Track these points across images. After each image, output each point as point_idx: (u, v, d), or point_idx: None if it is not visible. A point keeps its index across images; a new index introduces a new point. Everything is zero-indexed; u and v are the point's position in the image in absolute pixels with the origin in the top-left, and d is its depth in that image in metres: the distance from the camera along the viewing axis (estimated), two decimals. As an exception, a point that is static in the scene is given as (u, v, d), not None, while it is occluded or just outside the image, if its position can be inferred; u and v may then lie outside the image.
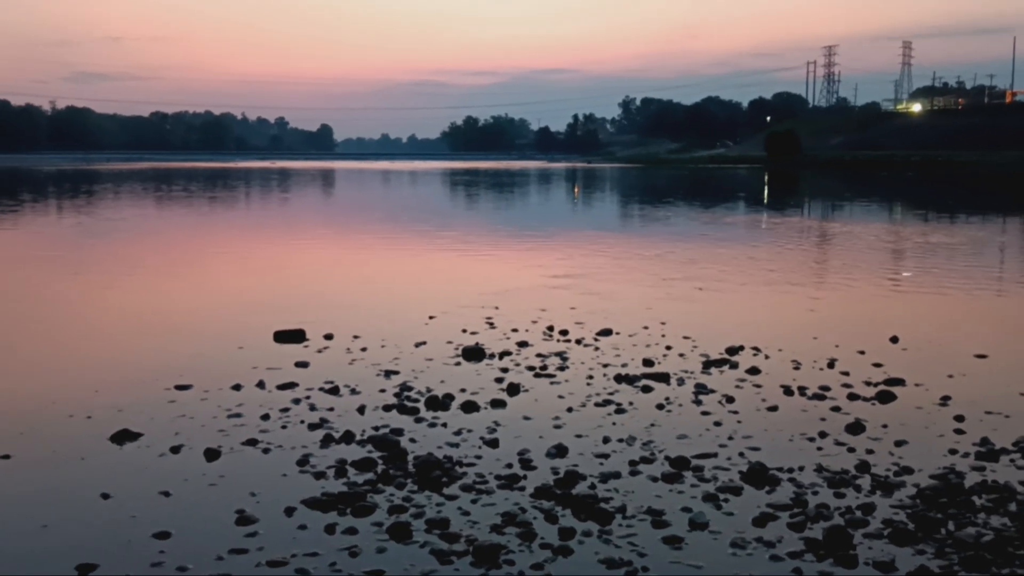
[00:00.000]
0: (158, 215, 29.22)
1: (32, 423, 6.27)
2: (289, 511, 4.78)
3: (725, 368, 7.92)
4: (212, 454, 5.65)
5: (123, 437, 5.96)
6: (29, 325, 10.12)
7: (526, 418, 6.45)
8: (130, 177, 63.56)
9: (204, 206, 33.33)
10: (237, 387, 7.23)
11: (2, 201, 35.18)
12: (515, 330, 9.48)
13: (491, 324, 9.81)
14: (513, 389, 7.17)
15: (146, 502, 4.90)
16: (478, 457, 5.62)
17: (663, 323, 9.86)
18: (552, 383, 7.41)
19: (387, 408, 6.68)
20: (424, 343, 8.84)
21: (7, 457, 5.58)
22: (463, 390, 7.14)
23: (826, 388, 7.24)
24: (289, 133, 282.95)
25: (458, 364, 8.07)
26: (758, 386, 7.34)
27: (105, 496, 4.97)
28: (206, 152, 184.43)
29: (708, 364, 8.03)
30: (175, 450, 5.75)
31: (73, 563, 4.16)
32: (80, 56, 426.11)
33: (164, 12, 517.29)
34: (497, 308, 10.76)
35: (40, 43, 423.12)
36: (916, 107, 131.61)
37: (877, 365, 8.03)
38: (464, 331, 9.42)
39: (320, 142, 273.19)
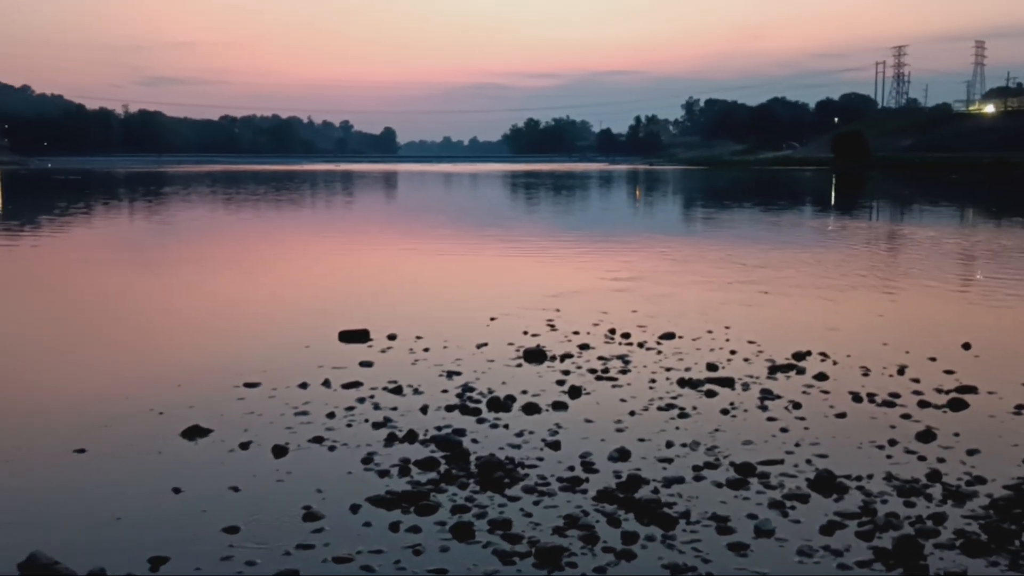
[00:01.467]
0: (227, 217, 29.85)
1: (107, 418, 6.46)
2: (354, 508, 4.85)
3: (792, 373, 7.80)
4: (279, 451, 5.76)
5: (194, 433, 6.11)
6: (105, 323, 10.43)
7: (588, 421, 6.44)
8: (200, 179, 65.07)
9: (272, 208, 33.95)
10: (304, 385, 7.35)
11: (82, 202, 36.30)
12: (576, 332, 9.47)
13: (552, 326, 9.81)
14: (575, 392, 7.17)
15: (216, 497, 5.02)
16: (540, 459, 5.63)
17: (727, 327, 9.75)
18: (614, 386, 7.38)
19: (449, 408, 6.73)
20: (486, 344, 8.88)
21: (83, 451, 5.76)
22: (524, 392, 7.16)
23: (896, 395, 7.08)
24: (353, 136, 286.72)
25: (519, 366, 8.10)
26: (826, 392, 7.21)
27: (176, 490, 5.10)
28: (274, 155, 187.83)
29: (774, 369, 7.92)
30: (244, 446, 5.87)
31: (146, 555, 4.27)
32: (153, 61, 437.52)
33: (234, 18, 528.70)
34: (558, 310, 10.76)
35: (115, 48, 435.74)
36: (989, 108, 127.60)
37: (949, 372, 7.83)
38: (525, 333, 9.44)
39: (383, 145, 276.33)
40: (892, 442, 5.98)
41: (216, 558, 4.28)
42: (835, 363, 8.15)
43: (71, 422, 6.34)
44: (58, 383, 7.53)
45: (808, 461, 5.61)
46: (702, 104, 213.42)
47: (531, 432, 6.16)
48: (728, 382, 7.45)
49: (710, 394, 7.13)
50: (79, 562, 4.14)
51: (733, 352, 8.59)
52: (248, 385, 7.34)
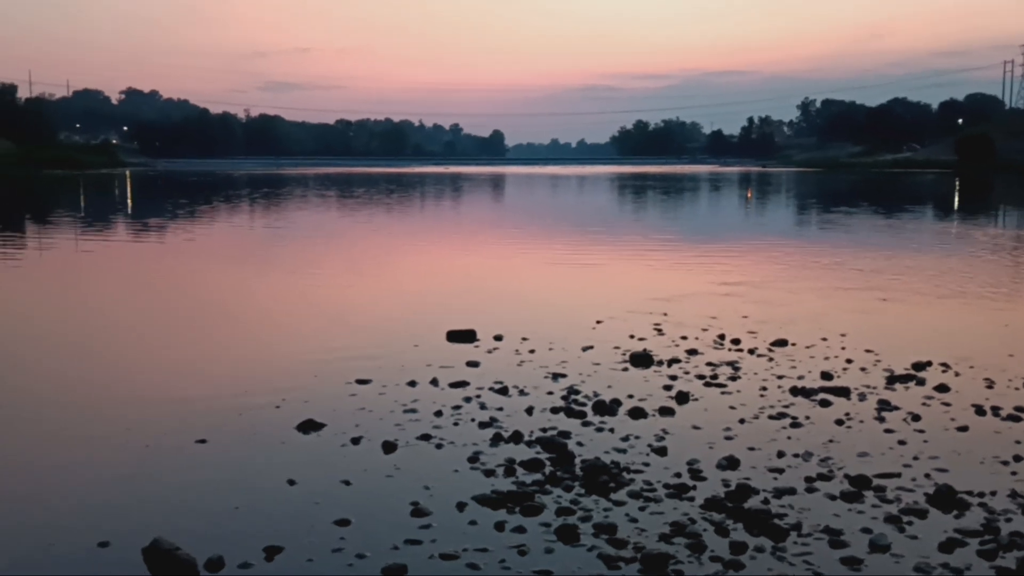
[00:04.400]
0: (341, 218, 30.65)
1: (227, 411, 6.73)
2: (460, 506, 4.91)
3: (911, 384, 7.50)
4: (389, 447, 5.89)
5: (309, 427, 6.30)
6: (225, 319, 10.86)
7: (695, 427, 6.35)
8: (316, 181, 67.02)
9: (383, 209, 34.68)
10: (412, 383, 7.48)
11: (204, 202, 37.90)
12: (684, 337, 9.34)
13: (659, 331, 9.71)
14: (682, 397, 7.07)
15: (328, 490, 5.16)
16: (646, 464, 5.58)
17: (843, 335, 9.45)
18: (723, 393, 7.25)
19: (555, 410, 6.73)
20: (591, 347, 8.86)
21: (204, 441, 6.01)
22: (631, 396, 7.11)
23: (1022, 409, 6.72)
24: (462, 139, 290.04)
25: (625, 370, 8.04)
26: (947, 404, 6.91)
27: (291, 482, 5.27)
28: (386, 158, 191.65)
29: (892, 379, 7.63)
30: (355, 441, 6.02)
31: (261, 545, 4.43)
32: (273, 67, 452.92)
33: (349, 25, 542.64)
34: (666, 315, 10.63)
35: (238, 55, 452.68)
36: None
37: (1084, 387, 7.38)
38: (632, 337, 9.37)
39: (492, 147, 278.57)
40: (1017, 458, 5.69)
41: (328, 550, 4.40)
42: (957, 374, 7.80)
43: (194, 414, 6.62)
44: (181, 376, 7.88)
45: (927, 475, 5.39)
46: (818, 104, 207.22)
47: (637, 437, 6.11)
48: (843, 392, 7.21)
49: (824, 404, 6.93)
50: (199, 549, 4.31)
51: (849, 361, 8.32)
52: (360, 382, 7.52)
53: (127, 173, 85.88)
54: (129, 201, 41.26)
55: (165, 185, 60.74)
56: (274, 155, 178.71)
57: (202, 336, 9.75)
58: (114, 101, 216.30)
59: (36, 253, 18.97)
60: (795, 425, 6.39)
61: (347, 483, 5.26)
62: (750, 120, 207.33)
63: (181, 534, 4.46)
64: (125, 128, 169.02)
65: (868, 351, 8.69)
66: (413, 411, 6.72)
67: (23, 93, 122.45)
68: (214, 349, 9.06)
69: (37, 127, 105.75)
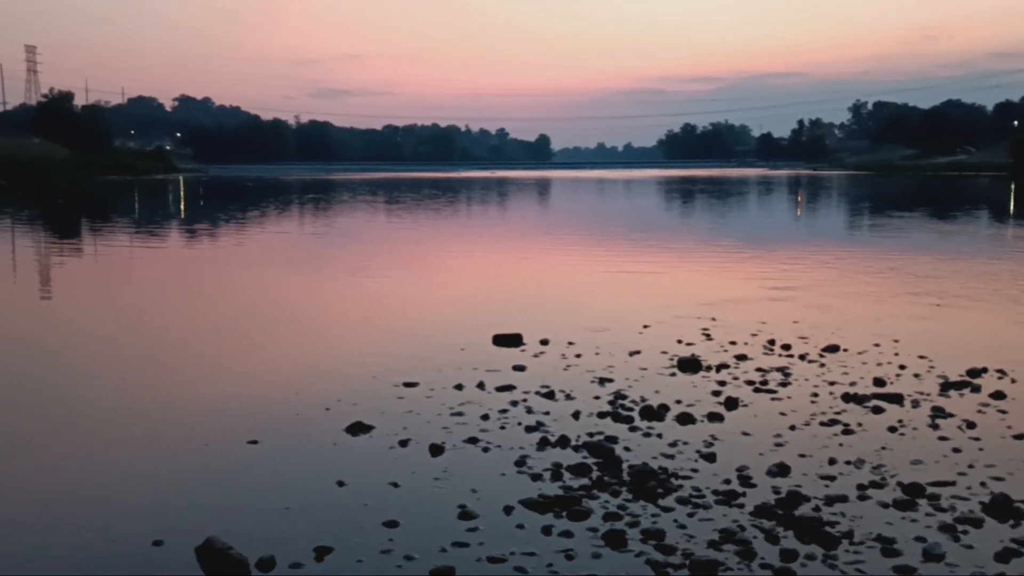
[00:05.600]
0: (389, 221, 30.90)
1: (278, 412, 6.82)
2: (507, 510, 4.92)
3: (966, 391, 7.34)
4: (436, 449, 5.92)
5: (357, 429, 6.36)
6: (275, 321, 11.00)
7: (745, 434, 6.28)
8: (364, 187, 67.65)
9: (430, 214, 34.89)
10: (459, 387, 7.52)
11: (255, 207, 38.48)
12: (733, 342, 9.25)
13: (708, 336, 9.63)
14: (731, 403, 7.00)
15: (377, 491, 5.20)
16: (694, 470, 5.54)
17: (896, 340, 9.29)
18: (773, 399, 7.17)
19: (601, 415, 6.71)
20: (638, 352, 8.81)
21: (256, 442, 6.10)
22: (678, 401, 7.06)
23: (1085, 418, 6.55)
24: (509, 143, 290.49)
25: (673, 375, 7.99)
26: (1003, 412, 6.75)
27: (340, 483, 5.33)
28: (433, 163, 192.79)
29: (946, 386, 7.48)
30: (403, 443, 6.07)
31: (312, 545, 4.48)
32: (324, 73, 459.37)
33: (399, 32, 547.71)
34: (714, 319, 10.54)
35: (290, 62, 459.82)
36: None
37: None
38: (679, 341, 9.30)
39: (538, 152, 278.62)
40: (1081, 469, 5.53)
41: (377, 551, 4.44)
42: (1014, 381, 7.62)
43: (246, 415, 6.73)
44: (233, 378, 8.01)
45: (983, 484, 5.28)
46: (870, 107, 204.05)
47: (685, 443, 6.07)
48: (896, 398, 7.09)
49: (877, 410, 6.81)
50: (251, 548, 4.37)
51: (902, 367, 8.17)
52: (407, 384, 7.58)
53: (180, 179, 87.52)
54: (183, 206, 42.02)
55: (218, 190, 61.77)
56: (324, 161, 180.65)
57: (253, 339, 9.89)
58: (168, 108, 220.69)
59: (93, 257, 19.42)
60: (847, 432, 6.30)
61: (395, 485, 5.30)
62: (800, 123, 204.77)
63: (233, 534, 4.53)
64: (178, 134, 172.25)
65: (922, 357, 8.53)
66: (460, 414, 6.75)
67: (79, 101, 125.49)
68: (264, 352, 9.18)
69: (93, 134, 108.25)
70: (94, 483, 5.40)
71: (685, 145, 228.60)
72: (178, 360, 8.84)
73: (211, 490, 5.27)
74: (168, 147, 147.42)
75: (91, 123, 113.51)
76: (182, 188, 63.97)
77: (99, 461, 5.78)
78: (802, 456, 5.78)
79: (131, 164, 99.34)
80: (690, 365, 8.23)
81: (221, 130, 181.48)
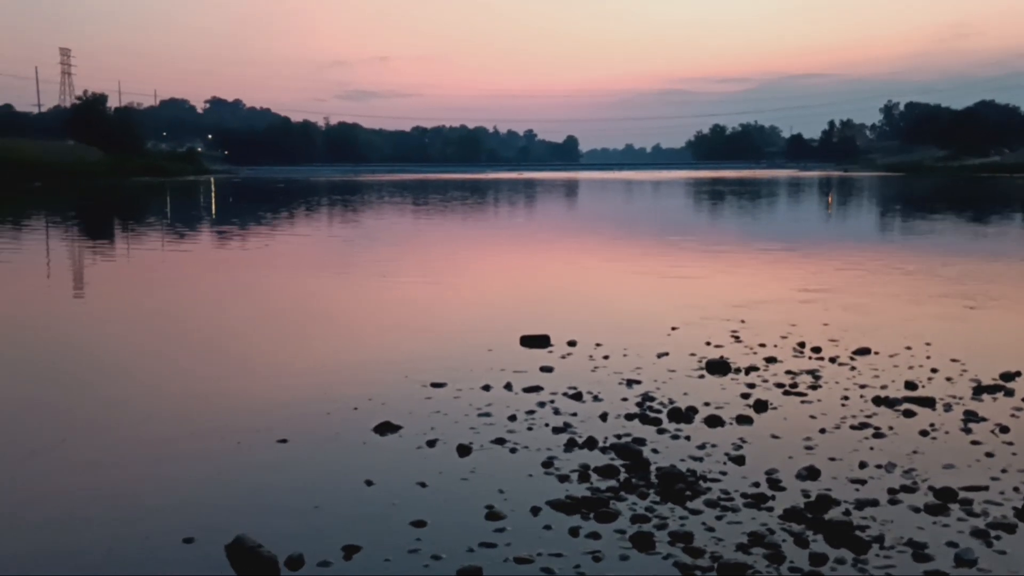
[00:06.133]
0: (416, 222, 31.00)
1: (307, 411, 6.87)
2: (535, 511, 4.92)
3: (999, 395, 7.25)
4: (464, 450, 5.93)
5: (385, 429, 6.40)
6: (304, 323, 11.08)
7: (774, 437, 6.24)
8: (393, 188, 67.94)
9: (458, 215, 34.97)
10: (487, 387, 7.53)
11: (284, 208, 38.78)
12: (762, 345, 9.19)
13: (736, 338, 9.57)
14: (760, 406, 6.96)
15: (405, 491, 5.23)
16: (723, 473, 5.51)
17: (928, 343, 9.18)
18: (803, 402, 7.11)
19: (629, 417, 6.70)
20: (666, 354, 8.78)
21: (285, 441, 6.15)
22: (707, 404, 7.03)
23: (1123, 423, 6.44)
24: (536, 145, 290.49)
25: (702, 377, 7.95)
26: (1039, 417, 6.65)
27: (369, 483, 5.36)
28: (460, 164, 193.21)
29: (979, 390, 7.38)
30: (431, 443, 6.09)
31: (340, 543, 4.51)
32: (353, 75, 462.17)
33: (427, 33, 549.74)
34: (743, 321, 10.48)
35: (320, 64, 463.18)
36: None
37: None
38: (708, 344, 9.26)
39: (565, 153, 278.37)
40: (1118, 474, 5.44)
41: (404, 550, 4.46)
42: (1051, 386, 7.51)
43: (276, 414, 6.78)
44: (264, 377, 8.07)
45: (1016, 489, 5.21)
46: (902, 107, 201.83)
47: (714, 445, 6.04)
48: (928, 402, 7.01)
49: (908, 414, 6.74)
50: (280, 546, 4.41)
51: (934, 370, 8.08)
52: (435, 385, 7.60)
53: (211, 180, 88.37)
54: (215, 207, 42.43)
55: (249, 192, 62.31)
56: (352, 162, 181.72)
57: (282, 339, 9.97)
58: (199, 110, 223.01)
59: (126, 257, 19.66)
60: (878, 435, 6.23)
61: (423, 485, 5.32)
62: (831, 123, 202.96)
63: (263, 532, 4.57)
64: (209, 136, 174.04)
65: (954, 360, 8.43)
66: (487, 415, 6.76)
67: (112, 103, 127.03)
68: (294, 352, 9.25)
69: (126, 136, 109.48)
70: (127, 481, 5.46)
71: (714, 146, 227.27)
72: (209, 359, 8.93)
73: (241, 488, 5.32)
74: (199, 149, 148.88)
75: (124, 125, 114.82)
76: (213, 189, 64.59)
77: (132, 459, 5.85)
78: (832, 459, 5.73)
79: (163, 166, 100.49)
80: (719, 367, 8.18)
81: (251, 132, 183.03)
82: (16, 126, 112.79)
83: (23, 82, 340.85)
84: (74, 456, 5.93)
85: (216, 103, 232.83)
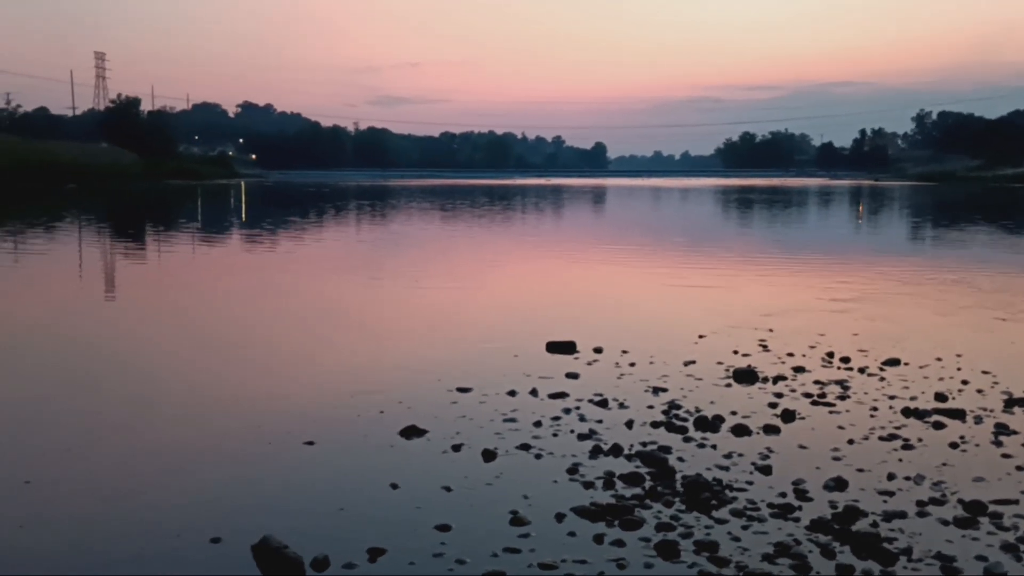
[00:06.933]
0: (444, 228, 31.10)
1: (333, 414, 6.92)
2: (559, 517, 4.91)
3: (1032, 408, 7.14)
4: (489, 455, 5.94)
5: (411, 432, 6.42)
6: (332, 326, 11.16)
7: (802, 447, 6.19)
8: (421, 193, 68.19)
9: (485, 221, 35.03)
10: (512, 393, 7.54)
11: (316, 212, 39.05)
12: (791, 354, 9.13)
13: (764, 347, 9.51)
14: (788, 415, 6.91)
15: (430, 495, 5.24)
16: (749, 483, 5.48)
17: (958, 355, 9.08)
18: (831, 412, 7.05)
19: (655, 425, 6.68)
20: (693, 362, 8.75)
21: (312, 443, 6.19)
22: (734, 413, 6.99)
23: None
24: (564, 151, 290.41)
25: (729, 386, 7.91)
26: (1072, 431, 6.55)
27: (394, 486, 5.38)
28: (489, 170, 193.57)
29: (1011, 402, 7.28)
30: (456, 448, 6.10)
31: (365, 546, 4.53)
32: (383, 81, 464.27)
33: (458, 40, 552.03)
34: (771, 331, 10.41)
35: (351, 70, 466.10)
36: None
37: None
38: (735, 352, 9.21)
39: (594, 159, 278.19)
40: None
41: (429, 554, 4.47)
42: (1085, 400, 7.39)
43: (302, 416, 6.83)
44: (291, 379, 8.13)
45: (1050, 504, 5.13)
46: (934, 116, 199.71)
47: (740, 454, 6.01)
48: (958, 414, 6.93)
49: (938, 426, 6.67)
50: (306, 548, 4.44)
51: (965, 382, 7.99)
52: (461, 390, 7.62)
53: (242, 184, 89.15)
54: (247, 211, 42.80)
55: (281, 196, 62.81)
56: (381, 167, 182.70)
57: (309, 342, 10.04)
58: (231, 114, 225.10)
59: (159, 259, 19.88)
60: (907, 447, 6.17)
61: (448, 489, 5.34)
62: (862, 132, 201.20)
63: (289, 533, 4.60)
64: (241, 140, 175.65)
65: (985, 372, 8.33)
66: (513, 420, 6.77)
67: (146, 107, 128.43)
68: (320, 354, 9.31)
69: (159, 139, 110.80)
70: (157, 480, 5.52)
71: (743, 154, 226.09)
72: (238, 361, 9.01)
73: (268, 489, 5.36)
74: (230, 152, 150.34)
75: (157, 128, 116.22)
76: (243, 193, 65.16)
77: (162, 459, 5.92)
78: (860, 471, 5.68)
79: (195, 169, 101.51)
80: (746, 376, 8.14)
81: (282, 136, 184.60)
82: (51, 129, 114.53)
83: (58, 85, 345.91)
84: (106, 454, 6.01)
85: (247, 107, 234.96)
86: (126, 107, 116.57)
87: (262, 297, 13.73)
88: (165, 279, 16.36)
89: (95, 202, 47.04)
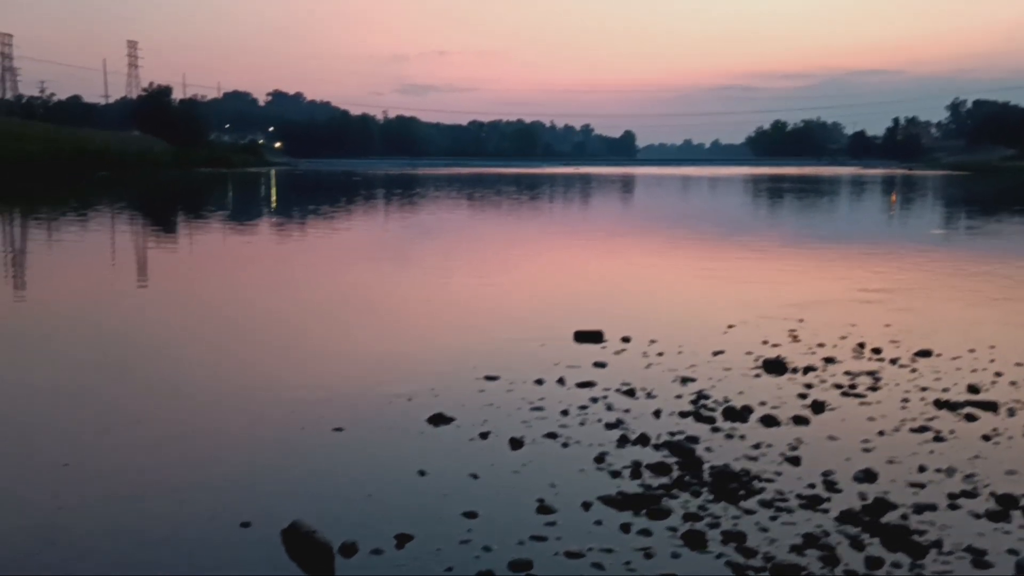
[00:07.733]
0: (472, 216, 31.12)
1: (363, 402, 6.96)
2: (586, 505, 4.92)
3: (1067, 401, 7.04)
4: (516, 443, 5.96)
5: (439, 420, 6.45)
6: (360, 314, 11.22)
7: (831, 438, 6.15)
8: (450, 181, 68.24)
9: (513, 209, 35.02)
10: (539, 382, 7.54)
11: (345, 201, 39.23)
12: (821, 345, 9.06)
13: (795, 337, 9.44)
14: (818, 406, 6.86)
15: (457, 482, 5.27)
16: (778, 473, 5.45)
17: (992, 346, 8.96)
18: (862, 403, 6.99)
19: (683, 415, 6.66)
20: (722, 352, 8.70)
21: (341, 430, 6.23)
22: (763, 403, 6.95)
23: None
24: (593, 140, 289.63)
25: (758, 376, 7.86)
26: (1109, 425, 6.45)
27: (422, 473, 5.41)
28: (516, 158, 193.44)
29: (1046, 395, 7.18)
30: (483, 436, 6.12)
31: (393, 532, 4.56)
32: (411, 69, 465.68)
33: (486, 28, 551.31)
34: (801, 321, 10.33)
35: (380, 59, 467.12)
36: None
37: None
38: (765, 342, 9.15)
39: (622, 148, 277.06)
40: None
41: (456, 541, 4.50)
42: (1122, 393, 7.27)
43: (331, 403, 6.88)
44: (321, 367, 8.19)
45: (1085, 499, 5.06)
46: (969, 105, 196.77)
47: (769, 445, 5.98)
48: (991, 406, 6.85)
49: (970, 418, 6.59)
50: (334, 533, 4.48)
51: (998, 374, 7.88)
52: (488, 378, 7.64)
53: (272, 172, 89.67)
54: (276, 199, 43.09)
55: (311, 184, 63.14)
56: (409, 155, 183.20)
57: (339, 329, 10.10)
58: (261, 103, 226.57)
59: (191, 246, 20.08)
60: (938, 439, 6.11)
61: (475, 476, 5.36)
62: (895, 121, 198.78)
63: (318, 517, 4.65)
64: (271, 128, 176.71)
65: (1019, 364, 8.22)
66: (540, 409, 6.77)
67: (177, 95, 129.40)
68: (350, 342, 9.37)
69: (190, 128, 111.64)
70: (189, 465, 5.59)
71: (774, 142, 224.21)
72: (268, 348, 9.08)
73: (297, 475, 5.41)
74: (260, 140, 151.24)
75: (188, 116, 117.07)
76: (274, 182, 65.55)
77: (194, 444, 5.99)
78: (890, 462, 5.63)
79: (226, 157, 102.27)
80: (776, 367, 8.08)
81: (311, 125, 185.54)
82: (84, 116, 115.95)
83: (91, 73, 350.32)
84: (140, 438, 6.08)
85: (278, 96, 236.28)
86: (158, 95, 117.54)
87: (293, 286, 13.83)
88: (197, 267, 16.52)
89: (127, 190, 47.55)
